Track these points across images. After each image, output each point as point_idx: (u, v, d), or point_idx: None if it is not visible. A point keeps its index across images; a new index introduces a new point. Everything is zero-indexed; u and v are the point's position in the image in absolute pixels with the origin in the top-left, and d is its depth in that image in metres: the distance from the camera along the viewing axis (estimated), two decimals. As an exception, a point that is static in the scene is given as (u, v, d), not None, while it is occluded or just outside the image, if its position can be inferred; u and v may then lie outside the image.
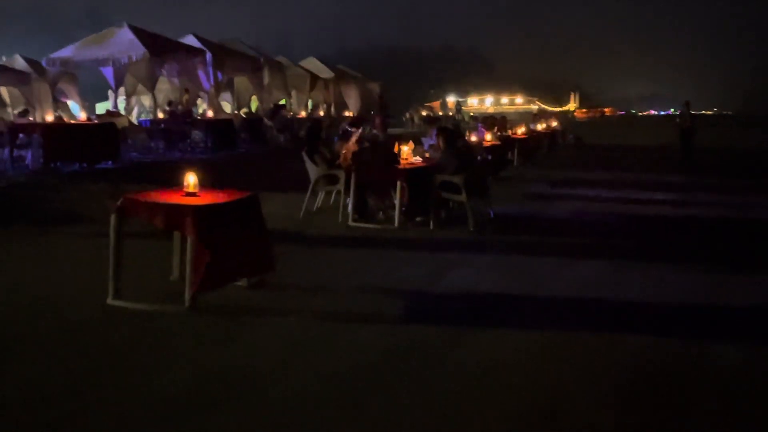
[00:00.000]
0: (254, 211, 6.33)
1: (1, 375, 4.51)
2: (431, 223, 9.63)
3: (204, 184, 6.18)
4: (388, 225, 9.66)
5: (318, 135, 11.27)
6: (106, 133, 17.02)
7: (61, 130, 16.87)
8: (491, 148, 15.58)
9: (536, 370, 4.73)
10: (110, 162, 16.50)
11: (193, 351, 4.93)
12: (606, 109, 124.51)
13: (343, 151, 10.38)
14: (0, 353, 4.87)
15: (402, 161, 10.17)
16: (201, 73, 22.48)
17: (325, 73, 32.20)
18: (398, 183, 9.58)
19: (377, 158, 10.08)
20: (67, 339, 5.13)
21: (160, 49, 21.04)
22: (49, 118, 18.96)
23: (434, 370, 4.67)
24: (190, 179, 6.07)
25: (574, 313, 6.08)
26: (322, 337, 5.27)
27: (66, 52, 21.53)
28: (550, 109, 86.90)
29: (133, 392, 4.24)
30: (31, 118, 19.50)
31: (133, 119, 23.80)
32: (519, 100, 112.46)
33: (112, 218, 5.88)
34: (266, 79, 26.68)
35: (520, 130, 22.32)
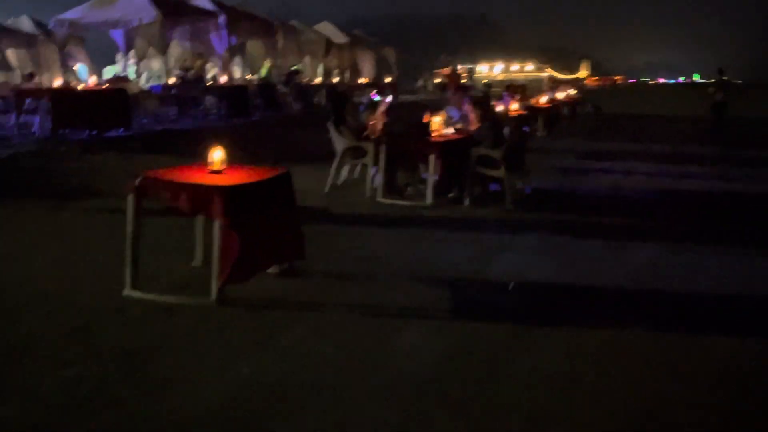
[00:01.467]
0: (286, 190, 5.70)
1: (1, 389, 3.86)
2: (465, 200, 9.00)
3: (227, 157, 5.54)
4: (419, 201, 9.01)
5: (344, 104, 10.57)
6: (116, 99, 16.41)
7: (70, 95, 16.28)
8: (519, 118, 14.89)
9: (618, 377, 4.12)
10: (121, 129, 15.87)
11: (225, 355, 4.29)
12: (617, 78, 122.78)
13: (372, 122, 9.72)
14: (1, 359, 4.24)
15: (433, 133, 9.50)
16: (214, 37, 21.77)
17: (339, 38, 31.33)
18: (431, 157, 8.91)
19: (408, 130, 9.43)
20: (79, 341, 4.47)
21: (173, 11, 20.31)
22: (57, 82, 18.32)
23: (503, 379, 4.06)
24: (216, 155, 5.43)
25: (644, 308, 5.42)
26: (368, 337, 4.63)
27: (75, 13, 20.86)
28: (561, 76, 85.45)
29: (155, 408, 3.63)
30: (37, 81, 18.90)
31: (143, 84, 23.14)
32: (530, 67, 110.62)
33: (130, 199, 5.22)
34: (280, 43, 25.89)
35: (543, 99, 21.54)
